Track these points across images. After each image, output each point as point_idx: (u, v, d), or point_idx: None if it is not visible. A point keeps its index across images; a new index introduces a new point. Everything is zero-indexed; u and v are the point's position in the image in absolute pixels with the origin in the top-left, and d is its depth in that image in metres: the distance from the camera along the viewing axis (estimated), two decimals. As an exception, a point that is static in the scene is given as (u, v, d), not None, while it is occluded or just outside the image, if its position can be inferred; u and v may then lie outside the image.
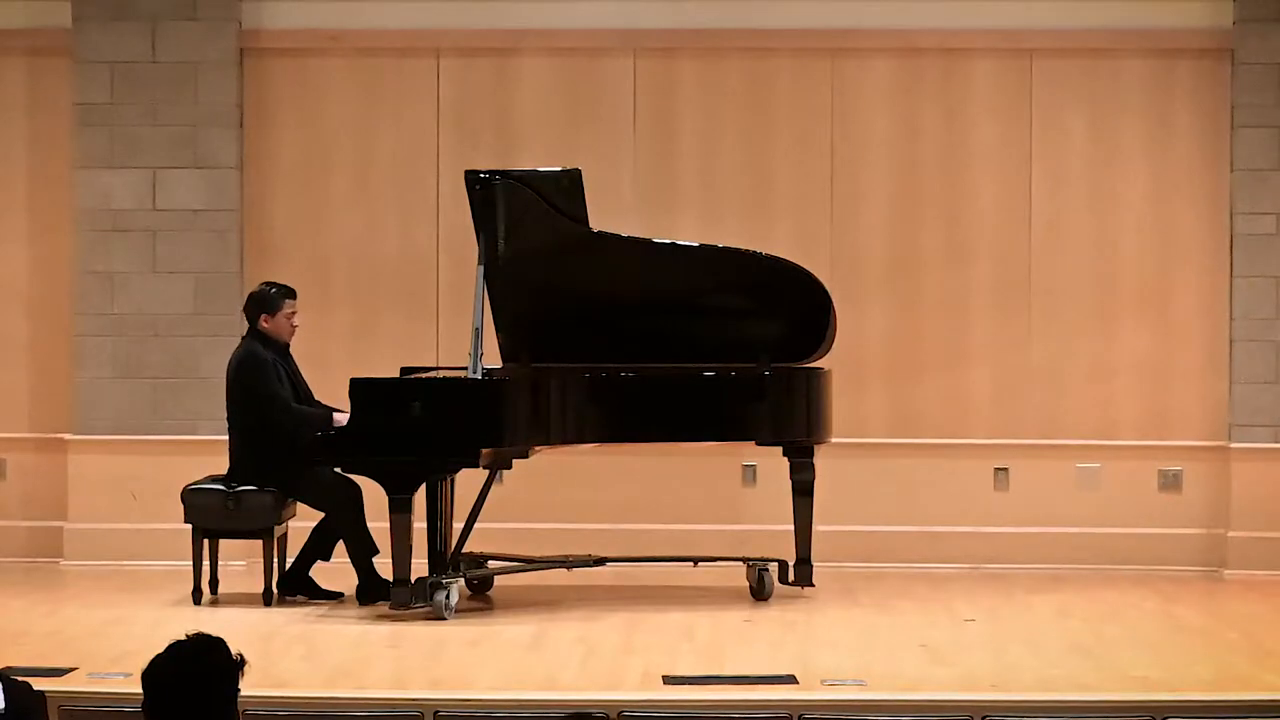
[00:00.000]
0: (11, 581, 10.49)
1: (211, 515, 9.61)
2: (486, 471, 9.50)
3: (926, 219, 11.32)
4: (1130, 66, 11.24)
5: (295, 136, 11.38)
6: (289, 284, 9.92)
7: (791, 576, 9.88)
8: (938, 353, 11.29)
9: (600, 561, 10.01)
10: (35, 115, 11.40)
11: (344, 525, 9.59)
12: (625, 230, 10.10)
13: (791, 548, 9.86)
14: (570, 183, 9.63)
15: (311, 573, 9.78)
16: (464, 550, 9.69)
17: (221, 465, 9.75)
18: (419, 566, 9.38)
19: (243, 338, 9.88)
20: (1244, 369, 10.87)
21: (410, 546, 9.12)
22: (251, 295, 9.91)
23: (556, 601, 9.70)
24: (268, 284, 9.94)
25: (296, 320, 9.84)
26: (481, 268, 9.35)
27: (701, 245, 10.04)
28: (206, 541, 9.67)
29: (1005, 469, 11.19)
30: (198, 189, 11.16)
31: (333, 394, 9.68)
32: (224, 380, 9.81)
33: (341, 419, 9.38)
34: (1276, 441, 10.94)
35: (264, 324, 9.75)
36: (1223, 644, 8.67)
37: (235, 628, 8.26)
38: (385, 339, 11.23)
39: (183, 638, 4.17)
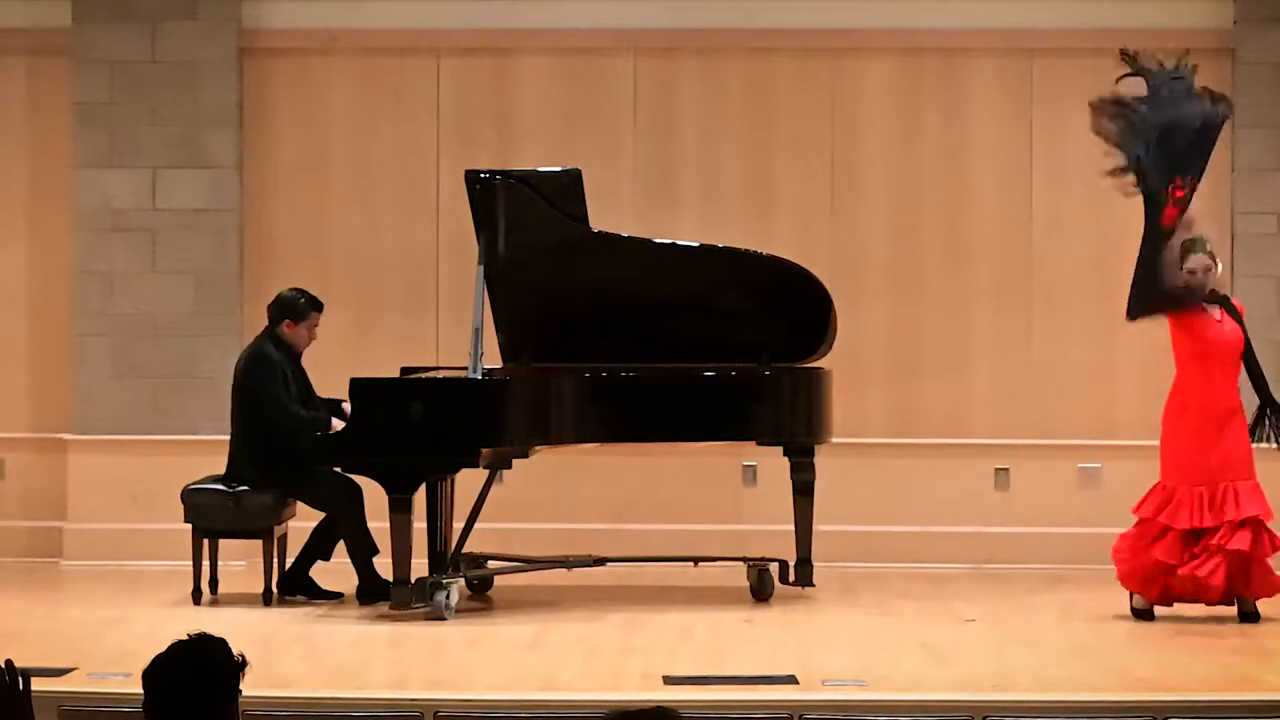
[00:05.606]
0: (11, 581, 10.49)
1: (211, 515, 9.62)
2: (486, 471, 9.50)
3: (926, 219, 11.32)
4: (1131, 66, 11.23)
5: (295, 136, 11.38)
6: (289, 284, 9.92)
7: (791, 576, 9.88)
8: (938, 352, 11.29)
9: (600, 561, 10.01)
10: (35, 115, 11.41)
11: (344, 525, 9.59)
12: (625, 230, 10.10)
13: (791, 548, 9.85)
14: (570, 183, 9.64)
15: (311, 573, 9.78)
16: (464, 550, 9.69)
17: (221, 465, 9.74)
18: (419, 566, 9.38)
19: (257, 337, 9.85)
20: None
21: (410, 546, 9.11)
22: (280, 297, 9.83)
23: (556, 601, 9.70)
24: (298, 292, 9.83)
25: (316, 334, 9.82)
26: (481, 268, 9.35)
27: (701, 245, 10.04)
28: (206, 541, 9.68)
29: (1005, 469, 11.19)
30: (198, 189, 11.17)
31: (333, 394, 9.67)
32: (224, 379, 9.81)
33: (340, 425, 9.38)
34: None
35: (285, 329, 9.72)
36: (1223, 644, 8.66)
37: (235, 628, 8.24)
38: (385, 339, 11.23)
39: (184, 637, 4.17)
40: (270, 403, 9.57)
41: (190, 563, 9.65)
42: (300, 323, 9.74)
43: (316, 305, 9.80)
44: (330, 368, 10.37)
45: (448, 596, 9.21)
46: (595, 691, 7.39)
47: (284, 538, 9.81)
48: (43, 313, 11.41)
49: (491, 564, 10.09)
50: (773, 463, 10.15)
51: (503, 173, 9.64)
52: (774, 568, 9.94)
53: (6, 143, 11.42)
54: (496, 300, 9.69)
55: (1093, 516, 11.03)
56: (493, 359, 9.71)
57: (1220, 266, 9.16)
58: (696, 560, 10.15)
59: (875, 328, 11.23)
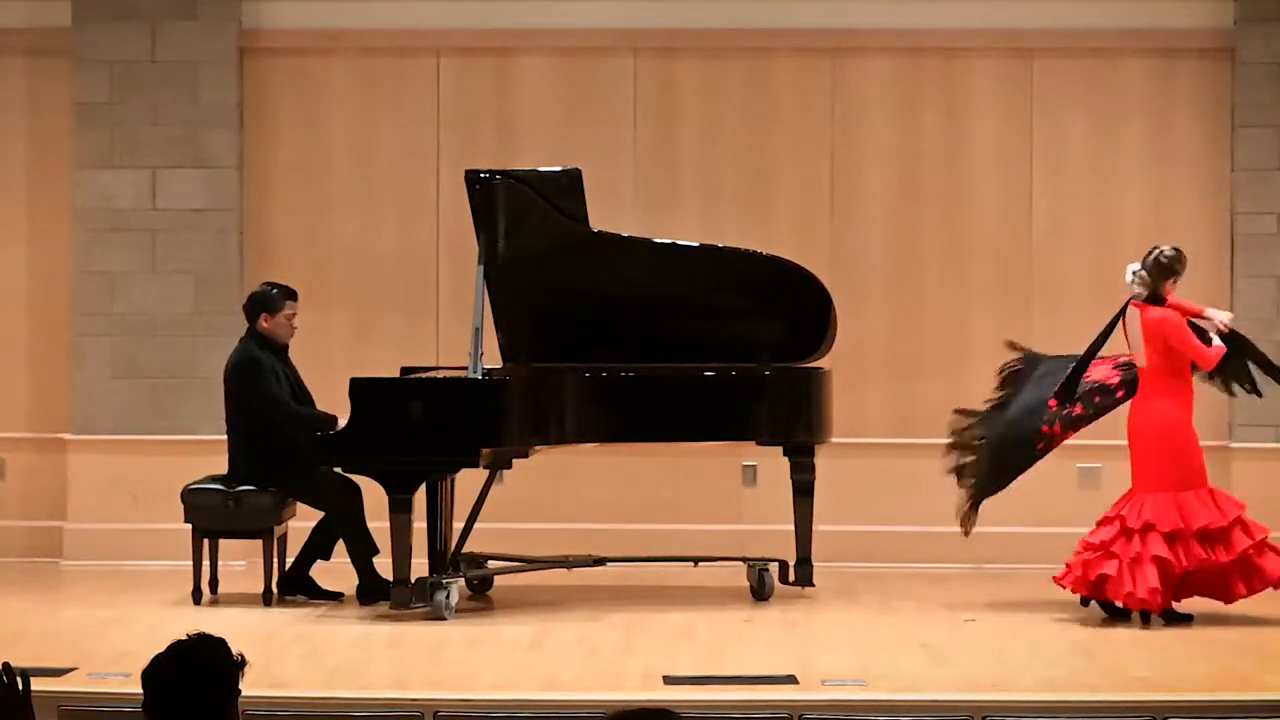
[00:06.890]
0: (11, 581, 10.49)
1: (211, 515, 9.62)
2: (486, 471, 9.51)
3: (926, 218, 11.32)
4: (1130, 66, 11.25)
5: (295, 136, 11.38)
6: (289, 284, 9.93)
7: (791, 576, 9.88)
8: (938, 352, 11.29)
9: (600, 561, 10.01)
10: (35, 115, 11.41)
11: (344, 525, 9.59)
12: (625, 230, 10.10)
13: (791, 548, 9.86)
14: (570, 182, 9.64)
15: (311, 573, 9.78)
16: (464, 550, 9.69)
17: (221, 465, 9.75)
18: (419, 566, 9.38)
19: (240, 339, 9.87)
20: (1244, 369, 10.84)
21: (410, 546, 9.12)
22: (252, 295, 9.90)
23: (556, 601, 9.70)
24: (269, 284, 9.94)
25: (296, 322, 9.84)
26: (481, 268, 9.35)
27: (701, 245, 10.04)
28: (206, 541, 9.68)
29: (1005, 469, 11.17)
30: (198, 189, 11.17)
31: (332, 394, 9.67)
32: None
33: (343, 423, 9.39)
34: (1277, 441, 10.93)
35: (264, 324, 9.75)
36: (1223, 644, 8.66)
37: (235, 628, 8.25)
38: (385, 339, 11.23)
39: (183, 637, 4.17)
40: (263, 400, 9.57)
41: (190, 563, 9.66)
42: (277, 314, 9.75)
43: (289, 294, 9.82)
44: (330, 368, 10.39)
45: (448, 596, 9.21)
46: (595, 691, 7.39)
47: (284, 538, 9.81)
48: (43, 313, 11.41)
49: (491, 564, 10.09)
50: (773, 463, 10.15)
51: (503, 173, 9.64)
52: (774, 568, 9.94)
53: (6, 143, 11.42)
54: (496, 300, 9.69)
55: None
56: (493, 359, 9.71)
57: (1137, 271, 9.31)
58: (696, 560, 10.15)
59: (875, 328, 11.23)
